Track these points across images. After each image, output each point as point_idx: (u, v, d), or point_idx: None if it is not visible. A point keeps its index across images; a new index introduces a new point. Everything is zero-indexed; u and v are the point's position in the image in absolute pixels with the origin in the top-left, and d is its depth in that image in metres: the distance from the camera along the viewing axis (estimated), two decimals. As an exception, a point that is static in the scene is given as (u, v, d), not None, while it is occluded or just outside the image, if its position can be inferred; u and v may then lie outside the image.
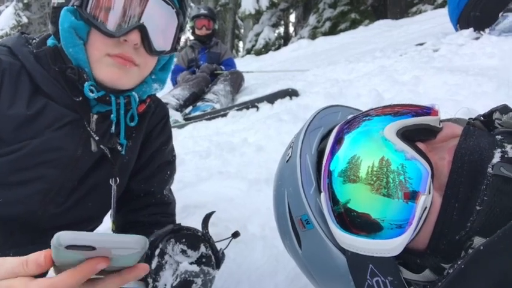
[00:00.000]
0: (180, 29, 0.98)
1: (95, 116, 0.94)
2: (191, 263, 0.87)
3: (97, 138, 0.95)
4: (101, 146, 0.96)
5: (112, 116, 0.94)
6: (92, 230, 1.12)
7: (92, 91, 0.89)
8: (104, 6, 0.86)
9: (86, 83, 0.89)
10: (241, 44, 19.43)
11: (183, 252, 0.87)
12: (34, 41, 0.96)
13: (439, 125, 0.68)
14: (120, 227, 1.17)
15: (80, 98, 0.91)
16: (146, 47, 0.90)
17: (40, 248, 0.96)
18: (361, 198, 0.63)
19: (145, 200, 1.14)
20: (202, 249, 0.90)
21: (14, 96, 0.87)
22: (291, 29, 16.73)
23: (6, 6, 14.65)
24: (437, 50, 3.28)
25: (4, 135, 0.86)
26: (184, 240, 0.89)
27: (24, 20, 13.90)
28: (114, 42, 0.87)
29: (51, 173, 0.91)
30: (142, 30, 0.88)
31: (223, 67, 4.85)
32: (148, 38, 0.89)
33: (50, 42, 0.94)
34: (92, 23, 0.86)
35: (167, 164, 1.18)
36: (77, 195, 0.97)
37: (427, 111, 0.70)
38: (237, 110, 3.39)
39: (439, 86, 2.22)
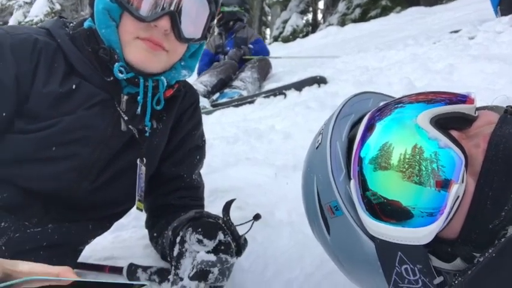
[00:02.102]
0: (212, 18, 0.99)
1: (125, 97, 0.97)
2: (208, 252, 0.87)
3: (126, 118, 0.97)
4: (130, 127, 0.98)
5: (139, 97, 0.96)
6: (125, 211, 1.16)
7: (121, 72, 0.92)
8: None
9: (116, 63, 0.91)
10: (268, 31, 19.26)
11: (199, 241, 0.88)
12: (71, 24, 1.00)
13: (475, 113, 0.67)
14: (150, 210, 1.20)
15: (111, 79, 0.94)
16: (176, 34, 0.92)
17: (75, 227, 1.01)
18: (392, 186, 0.63)
19: (175, 184, 1.17)
20: (221, 236, 0.89)
21: (49, 74, 0.91)
22: (320, 16, 16.43)
23: (41, -6, 15.03)
24: (473, 37, 3.16)
25: (39, 111, 0.90)
26: (200, 229, 0.89)
27: (57, 7, 14.24)
28: (145, 26, 0.89)
29: (83, 150, 0.94)
30: (173, 16, 0.89)
31: (251, 46, 4.81)
32: (178, 24, 0.91)
33: (86, 24, 0.97)
34: (124, 6, 0.88)
35: (197, 149, 1.20)
36: (108, 174, 1.00)
37: (462, 99, 0.69)
38: (264, 97, 3.38)
39: (475, 75, 2.14)
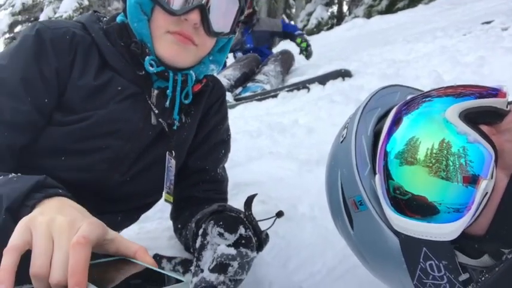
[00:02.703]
0: (241, 12, 0.99)
1: (156, 91, 0.99)
2: (229, 246, 0.88)
3: (156, 111, 1.00)
4: (160, 120, 1.01)
5: (168, 91, 0.98)
6: (153, 203, 1.18)
7: (152, 65, 0.94)
8: None
9: (147, 57, 0.93)
10: (292, 23, 19.12)
11: (220, 235, 0.88)
12: (105, 18, 1.03)
13: (507, 107, 0.65)
14: (175, 202, 1.22)
15: (143, 73, 0.96)
16: (205, 27, 0.92)
17: (106, 219, 1.04)
18: (418, 181, 0.62)
19: (199, 177, 1.18)
20: (241, 231, 0.89)
21: (84, 67, 0.94)
22: (345, 7, 16.16)
23: (69, -10, 15.40)
24: (506, 28, 3.04)
25: (74, 104, 0.93)
26: (221, 223, 0.90)
27: (85, 2, 14.56)
28: (175, 20, 0.90)
29: (116, 143, 0.97)
30: (203, 10, 0.90)
31: (296, 32, 4.81)
32: (207, 18, 0.91)
33: (119, 18, 0.99)
34: (156, 0, 0.90)
35: (222, 143, 1.21)
36: (138, 166, 1.03)
37: (493, 92, 0.67)
38: (288, 91, 3.37)
39: (508, 68, 2.07)
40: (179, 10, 0.89)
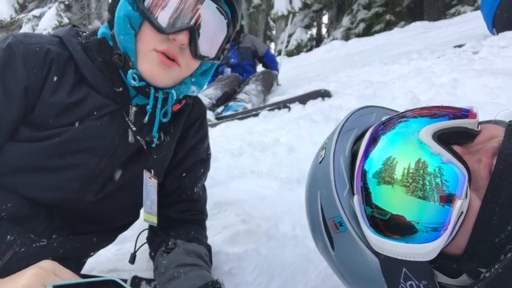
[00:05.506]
0: (228, 40, 1.00)
1: (134, 108, 0.97)
2: None
3: (134, 129, 0.98)
4: (138, 137, 0.99)
5: (148, 107, 0.97)
6: (129, 223, 1.16)
7: (134, 79, 0.92)
8: (161, 3, 0.89)
9: (130, 70, 0.92)
10: (273, 45, 19.46)
11: None
12: (84, 33, 1.01)
13: (477, 128, 0.67)
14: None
15: (121, 89, 0.95)
16: (192, 50, 0.92)
17: (81, 240, 1.01)
18: (396, 200, 0.63)
19: (176, 196, 1.16)
20: None
21: (58, 84, 0.91)
22: (324, 30, 16.59)
23: (49, 8, 15.29)
24: (477, 52, 3.17)
25: (44, 121, 0.90)
26: None
27: (65, 20, 14.46)
28: (163, 38, 0.90)
29: (90, 160, 0.94)
30: (192, 32, 0.90)
31: (274, 71, 4.91)
32: (195, 41, 0.91)
33: (101, 31, 0.98)
34: (146, 16, 0.89)
35: (201, 162, 1.20)
36: (113, 185, 1.00)
37: (465, 113, 0.69)
38: (269, 110, 3.40)
39: (479, 89, 2.15)
40: (168, 29, 0.89)
